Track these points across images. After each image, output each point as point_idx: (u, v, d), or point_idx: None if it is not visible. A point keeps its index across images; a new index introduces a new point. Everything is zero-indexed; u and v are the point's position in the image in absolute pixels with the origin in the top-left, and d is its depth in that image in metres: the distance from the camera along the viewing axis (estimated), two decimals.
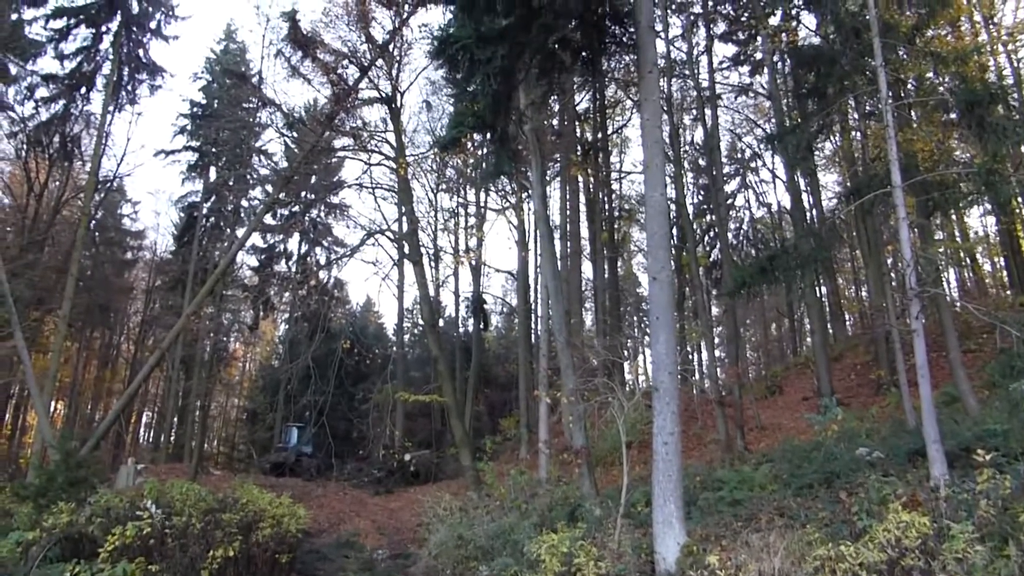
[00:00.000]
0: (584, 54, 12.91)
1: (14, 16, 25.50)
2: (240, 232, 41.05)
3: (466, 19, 11.48)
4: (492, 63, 11.04)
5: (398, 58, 27.89)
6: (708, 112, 24.39)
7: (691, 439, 19.87)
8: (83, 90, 28.45)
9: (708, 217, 35.72)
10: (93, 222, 33.44)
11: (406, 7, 25.83)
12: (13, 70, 26.99)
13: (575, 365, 15.25)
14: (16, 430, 36.80)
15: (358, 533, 19.01)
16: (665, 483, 9.01)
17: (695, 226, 32.99)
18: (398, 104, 27.56)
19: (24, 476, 20.54)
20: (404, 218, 28.49)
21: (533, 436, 23.19)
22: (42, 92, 28.30)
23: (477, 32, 11.03)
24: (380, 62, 27.01)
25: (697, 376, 30.00)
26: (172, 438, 40.14)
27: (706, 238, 37.26)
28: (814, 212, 27.13)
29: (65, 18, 27.32)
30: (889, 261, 23.53)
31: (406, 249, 27.74)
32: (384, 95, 27.52)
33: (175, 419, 40.78)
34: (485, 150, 18.99)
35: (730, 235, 35.08)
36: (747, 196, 39.54)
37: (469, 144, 18.01)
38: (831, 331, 30.30)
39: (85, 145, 30.74)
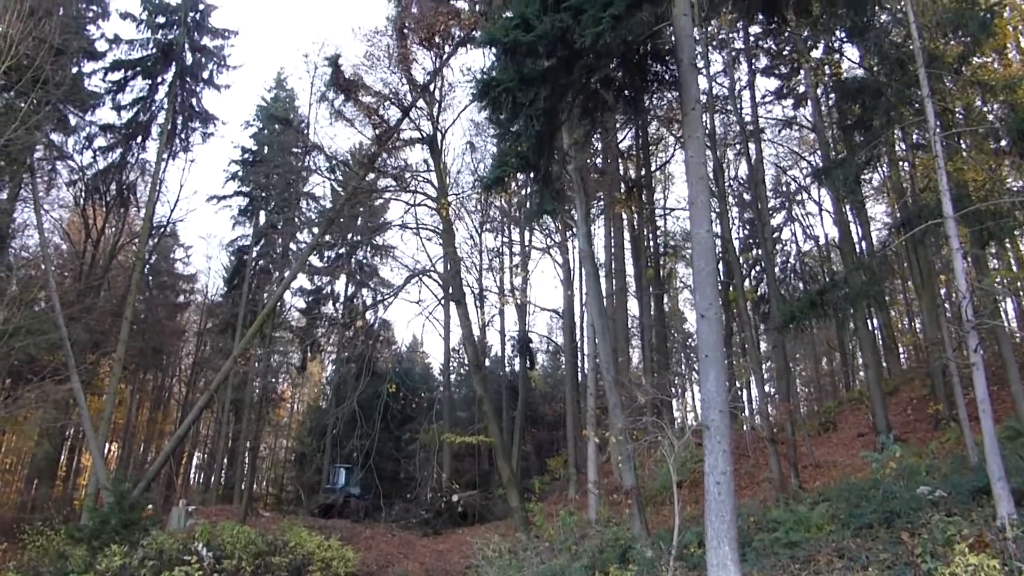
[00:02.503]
0: (626, 93, 12.95)
1: (74, 69, 26.41)
2: (287, 274, 41.75)
3: (508, 62, 11.60)
4: (535, 105, 11.12)
5: (439, 99, 28.24)
6: (752, 146, 24.28)
7: (743, 477, 19.47)
8: (139, 139, 29.41)
9: (754, 251, 35.38)
10: (147, 267, 34.23)
11: (446, 48, 26.23)
12: (73, 121, 27.97)
13: (623, 404, 15.11)
14: (71, 472, 37.39)
15: (406, 575, 18.89)
16: (718, 524, 8.82)
17: (741, 260, 32.67)
18: (440, 144, 27.83)
19: (78, 518, 20.79)
20: (447, 259, 28.62)
21: (582, 476, 22.90)
22: (100, 141, 29.34)
23: (519, 74, 11.13)
24: (421, 103, 27.40)
25: (747, 413, 29.50)
26: (222, 479, 40.47)
27: (753, 272, 36.86)
28: (864, 244, 26.73)
29: (123, 70, 28.35)
30: (943, 292, 23.01)
31: (450, 289, 27.92)
32: (426, 135, 27.85)
33: (225, 460, 41.17)
34: (529, 190, 19.08)
35: (777, 269, 34.66)
36: (793, 229, 39.13)
37: (513, 184, 18.13)
38: (884, 365, 29.63)
39: (140, 192, 31.60)
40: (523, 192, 24.85)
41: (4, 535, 22.34)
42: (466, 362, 49.44)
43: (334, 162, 29.64)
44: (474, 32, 24.62)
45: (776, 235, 37.44)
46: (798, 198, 38.21)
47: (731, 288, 28.73)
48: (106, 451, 31.78)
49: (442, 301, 31.81)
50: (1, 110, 17.28)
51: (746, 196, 33.76)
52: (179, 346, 43.77)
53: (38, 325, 21.63)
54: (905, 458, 14.00)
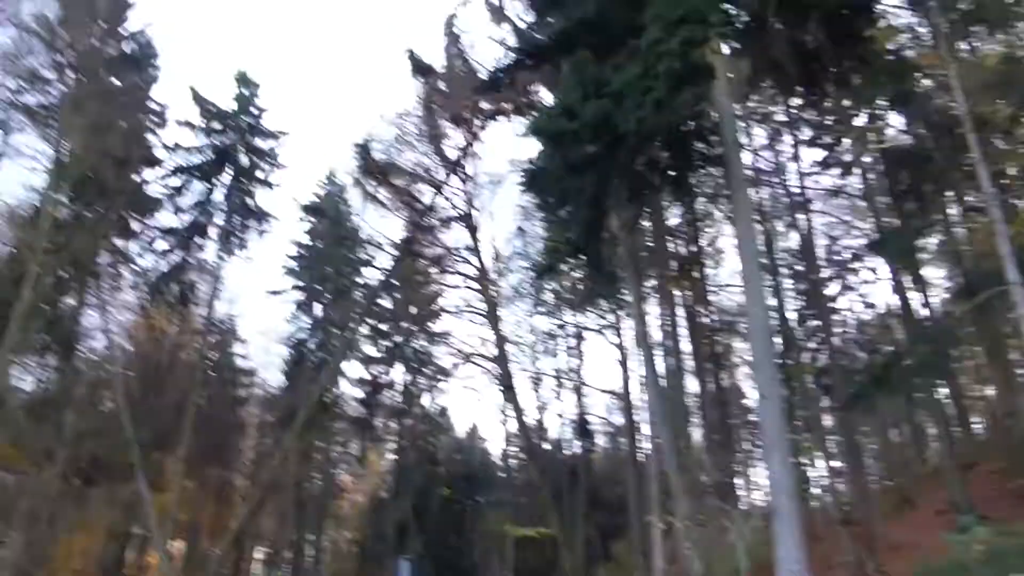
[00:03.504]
0: (671, 173, 13.05)
1: (136, 177, 27.63)
2: (344, 365, 42.20)
3: (553, 150, 11.83)
4: (582, 191, 11.28)
5: (472, 175, 28.73)
6: (801, 217, 24.08)
7: (816, 561, 18.55)
8: (198, 240, 30.37)
9: (810, 323, 34.65)
10: (208, 363, 34.95)
11: (475, 124, 26.57)
12: (135, 226, 29.10)
13: (686, 488, 14.77)
14: (138, 571, 37.51)
15: None
16: None
17: (799, 333, 32.04)
18: (476, 222, 27.88)
19: None
20: (497, 343, 28.64)
21: (648, 562, 22.24)
22: (161, 244, 30.36)
23: (565, 162, 11.33)
24: (455, 181, 27.63)
25: (817, 492, 28.50)
26: (288, 573, 40.22)
27: (811, 343, 36.04)
28: (926, 311, 26.04)
29: (181, 175, 29.58)
30: (1015, 358, 22.21)
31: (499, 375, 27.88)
32: (462, 213, 28.02)
33: (290, 554, 40.98)
34: (580, 274, 19.15)
35: (837, 340, 33.85)
36: (850, 297, 38.33)
37: (564, 267, 18.21)
38: (959, 435, 28.47)
39: (201, 291, 32.42)
40: (574, 274, 24.85)
41: None
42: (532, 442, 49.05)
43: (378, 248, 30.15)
44: (504, 107, 25.02)
45: (832, 305, 36.70)
46: (852, 266, 37.55)
47: (787, 362, 28.18)
48: (172, 547, 31.91)
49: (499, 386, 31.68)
50: (69, 221, 18.06)
51: (798, 267, 33.33)
52: (240, 440, 44.11)
53: (106, 427, 22.16)
54: (991, 540, 13.26)
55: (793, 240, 31.62)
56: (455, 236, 31.04)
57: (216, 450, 35.22)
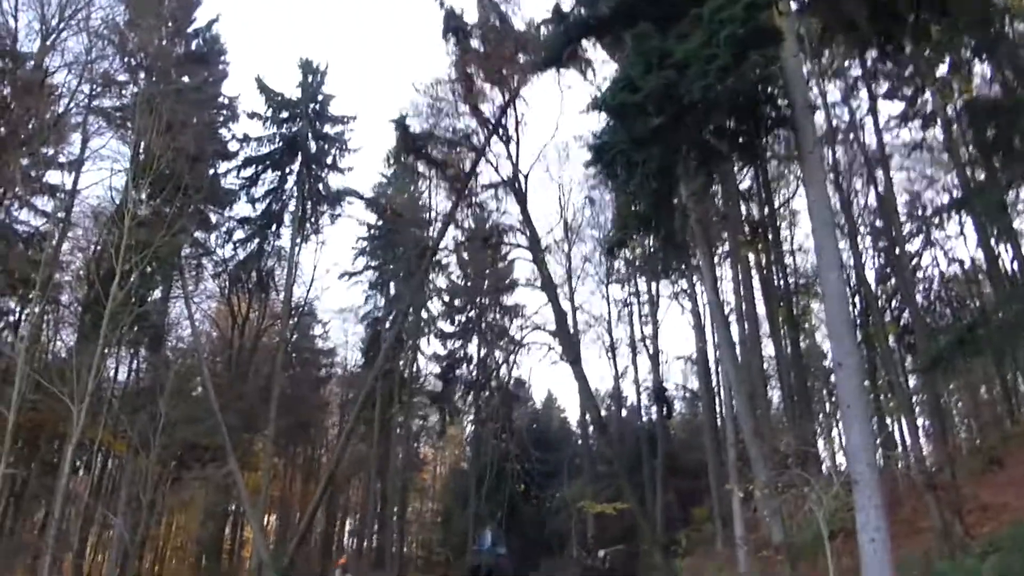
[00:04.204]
0: (740, 140, 12.82)
1: (211, 171, 28.44)
2: (421, 342, 42.91)
3: (618, 124, 11.75)
4: (648, 164, 11.18)
5: (515, 137, 27.88)
6: (880, 173, 23.39)
7: (900, 525, 18.18)
8: (273, 227, 31.22)
9: (892, 281, 33.68)
10: (289, 346, 36.00)
11: (515, 81, 25.87)
12: (213, 218, 30.05)
13: (764, 455, 14.67)
14: (235, 546, 39.06)
15: None
16: None
17: (879, 292, 31.22)
18: (522, 186, 27.41)
19: None
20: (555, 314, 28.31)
21: (728, 529, 22.17)
22: (238, 234, 31.31)
23: (630, 136, 11.24)
24: (500, 147, 27.16)
25: (900, 454, 27.86)
26: (373, 544, 41.34)
27: (892, 303, 35.06)
28: (1015, 266, 25.07)
29: (254, 166, 30.35)
30: None
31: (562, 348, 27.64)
32: (507, 178, 27.51)
33: (375, 525, 42.10)
34: (651, 244, 18.98)
35: (920, 297, 32.84)
36: (934, 254, 37.08)
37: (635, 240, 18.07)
38: None
39: (278, 276, 33.34)
40: (647, 242, 24.55)
41: None
42: (602, 415, 49.11)
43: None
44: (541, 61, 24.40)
45: (915, 262, 35.56)
46: (935, 221, 36.25)
47: (870, 324, 27.55)
48: (265, 523, 33.19)
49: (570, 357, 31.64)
50: (150, 218, 18.73)
51: (879, 223, 32.34)
52: (324, 419, 45.31)
53: (196, 414, 23.10)
54: None
55: (872, 198, 30.84)
56: (507, 207, 30.62)
57: (301, 429, 36.26)
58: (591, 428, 45.82)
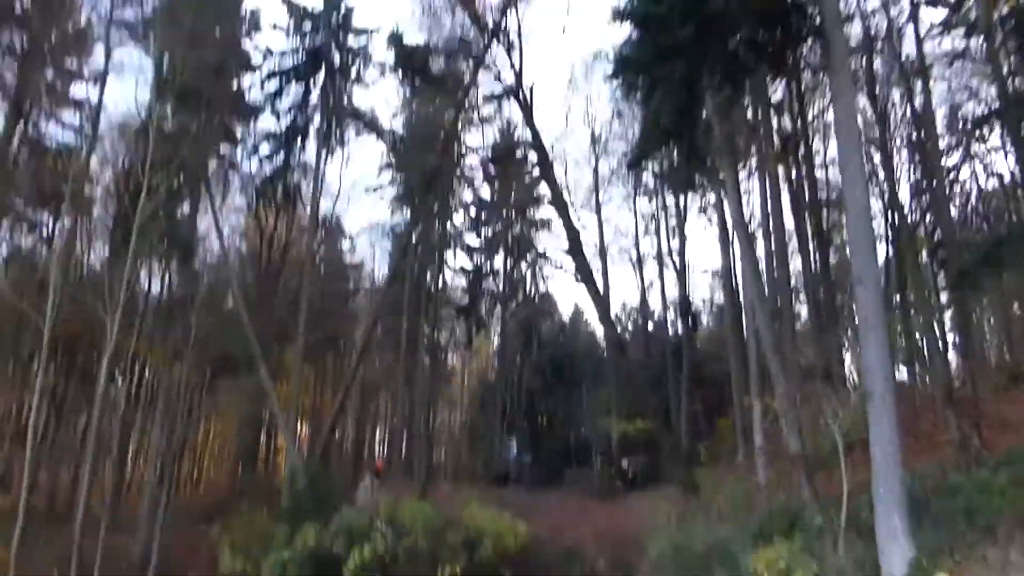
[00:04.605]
0: (768, 51, 12.51)
1: (235, 84, 28.30)
2: (448, 254, 43.13)
3: (642, 36, 11.52)
4: (673, 77, 11.00)
5: (517, 43, 26.80)
6: (919, 84, 22.72)
7: (920, 438, 18.39)
8: (298, 141, 31.10)
9: (929, 195, 33.05)
10: (317, 259, 36.42)
11: None
12: (239, 133, 30.03)
13: (785, 369, 14.83)
14: (270, 453, 40.39)
15: (579, 542, 19.32)
16: (887, 495, 8.63)
17: (914, 206, 30.70)
18: (527, 97, 26.36)
19: (279, 496, 22.55)
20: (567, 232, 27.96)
21: (749, 440, 22.54)
22: (264, 148, 31.26)
23: (654, 48, 11.03)
24: (501, 54, 26.16)
25: (926, 370, 27.88)
26: (403, 453, 42.48)
27: (927, 217, 34.50)
28: None
29: (277, 78, 30.09)
30: None
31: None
32: (508, 88, 26.70)
33: (404, 435, 43.19)
34: (675, 159, 18.73)
35: (955, 211, 32.22)
36: (973, 167, 36.18)
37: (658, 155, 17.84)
38: None
39: (304, 191, 33.42)
40: (672, 156, 24.12)
41: (219, 514, 24.67)
42: (629, 327, 49.49)
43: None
44: None
45: (953, 176, 34.76)
46: (976, 133, 35.23)
47: (899, 237, 27.21)
48: (298, 431, 34.22)
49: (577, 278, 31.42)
50: (175, 132, 18.80)
51: (915, 137, 31.54)
52: (353, 331, 46.05)
53: (227, 326, 23.61)
54: None
55: (910, 110, 30.02)
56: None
57: (330, 342, 36.92)
58: (608, 346, 46.47)
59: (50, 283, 15.31)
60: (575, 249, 26.82)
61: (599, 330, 48.92)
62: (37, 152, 26.73)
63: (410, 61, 26.55)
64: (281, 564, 11.65)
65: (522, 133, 30.82)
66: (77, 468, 24.44)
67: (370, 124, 32.16)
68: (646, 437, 30.63)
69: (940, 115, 29.78)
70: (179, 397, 20.34)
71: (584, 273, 26.36)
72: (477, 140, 35.68)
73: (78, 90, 27.55)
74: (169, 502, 20.97)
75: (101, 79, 25.91)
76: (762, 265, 24.08)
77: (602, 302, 26.58)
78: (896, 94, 28.55)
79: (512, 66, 26.50)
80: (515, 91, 26.17)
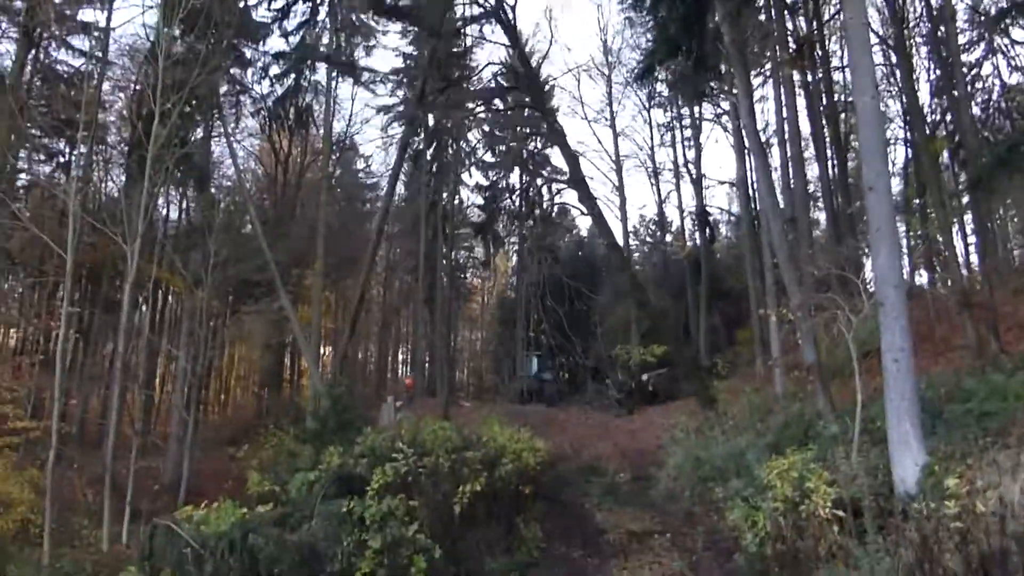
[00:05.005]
0: None
1: (241, 4, 27.77)
2: (464, 174, 42.89)
3: None
4: None
5: None
6: None
7: (937, 344, 18.37)
8: (308, 61, 30.67)
9: (952, 93, 32.18)
10: (333, 180, 36.34)
11: None
12: (248, 55, 29.64)
13: (800, 279, 14.78)
14: (294, 375, 41.15)
15: (600, 457, 19.71)
16: (898, 402, 8.67)
17: (935, 104, 29.98)
18: (509, 16, 25.39)
19: (304, 417, 23.06)
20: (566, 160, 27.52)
21: (767, 352, 22.66)
22: (274, 69, 30.89)
23: None
24: None
25: (942, 275, 27.63)
26: (426, 373, 43.16)
27: (948, 116, 33.64)
28: None
29: None
30: None
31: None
32: (487, 7, 25.70)
33: (426, 355, 43.81)
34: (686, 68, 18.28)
35: (977, 109, 31.35)
36: (996, 62, 35.05)
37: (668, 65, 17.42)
38: None
39: (317, 112, 33.14)
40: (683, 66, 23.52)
41: (245, 436, 25.33)
42: (648, 239, 49.36)
43: None
44: None
45: (975, 72, 33.76)
46: (1000, 25, 34.03)
47: (917, 140, 26.64)
48: (321, 353, 34.76)
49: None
50: (184, 56, 18.57)
51: (935, 33, 30.54)
52: (371, 251, 46.23)
53: (245, 251, 23.77)
54: None
55: (926, 5, 28.99)
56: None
57: (350, 263, 37.13)
58: (635, 256, 46.33)
59: (69, 212, 15.36)
60: (576, 177, 26.52)
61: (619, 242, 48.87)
62: (50, 79, 26.62)
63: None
64: (307, 484, 11.96)
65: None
66: (106, 393, 25.04)
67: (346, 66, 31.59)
68: (665, 351, 30.88)
69: (962, 9, 28.77)
70: (202, 323, 20.59)
71: (589, 204, 26.22)
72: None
73: (86, 15, 27.23)
74: (197, 425, 21.50)
75: (108, 2, 25.58)
76: (778, 174, 23.79)
77: (607, 232, 26.49)
78: None
79: None
80: (497, 11, 25.27)
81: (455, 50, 33.93)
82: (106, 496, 14.25)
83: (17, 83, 23.05)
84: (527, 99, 28.28)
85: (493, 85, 39.57)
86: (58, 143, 27.72)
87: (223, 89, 27.28)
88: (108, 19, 25.44)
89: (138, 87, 24.20)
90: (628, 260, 31.48)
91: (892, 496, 8.25)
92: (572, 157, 27.23)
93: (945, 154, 27.61)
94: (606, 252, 52.71)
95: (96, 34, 26.14)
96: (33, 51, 25.07)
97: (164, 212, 26.85)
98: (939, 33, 25.79)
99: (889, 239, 9.20)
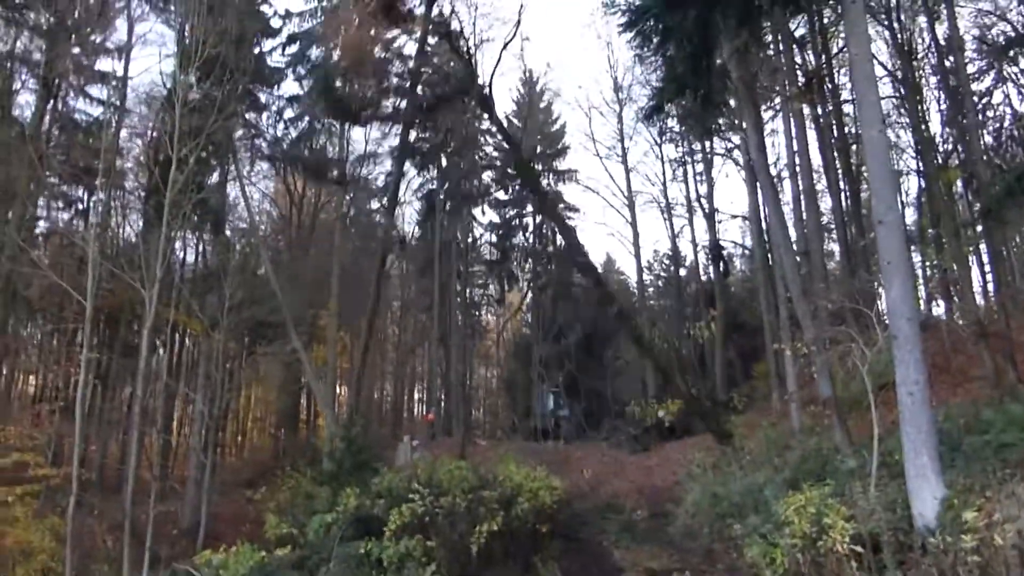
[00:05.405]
0: None
1: (256, 50, 28.33)
2: (476, 211, 43.17)
3: None
4: (684, 26, 10.84)
5: None
6: (944, 9, 22.10)
7: (954, 374, 18.23)
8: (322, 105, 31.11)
9: (961, 122, 32.17)
10: (347, 220, 36.65)
11: None
12: (263, 99, 30.16)
13: (814, 313, 14.78)
14: (311, 416, 41.13)
15: (617, 494, 19.61)
16: (915, 435, 8.64)
17: (946, 135, 29.98)
18: (487, 97, 25.66)
19: (321, 458, 23.09)
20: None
21: (783, 386, 22.55)
22: (288, 112, 31.37)
23: None
24: None
25: (959, 305, 27.44)
26: (442, 412, 43.07)
27: (959, 147, 33.62)
28: None
29: (297, 42, 30.05)
30: None
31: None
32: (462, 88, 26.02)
33: (441, 394, 43.71)
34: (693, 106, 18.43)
35: (989, 138, 31.31)
36: (1006, 91, 35.07)
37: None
38: None
39: (331, 153, 33.50)
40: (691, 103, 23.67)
41: (263, 478, 25.35)
42: (663, 274, 49.36)
43: None
44: None
45: (986, 100, 33.75)
46: (1010, 54, 34.07)
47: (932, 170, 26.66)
48: (337, 392, 34.80)
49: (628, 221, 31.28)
50: (200, 102, 18.94)
51: (947, 61, 30.61)
52: (386, 291, 46.41)
53: (260, 293, 23.97)
54: None
55: (933, 36, 29.16)
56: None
57: (365, 302, 37.24)
58: (649, 290, 46.29)
59: (88, 259, 15.60)
60: (544, 207, 26.71)
61: (632, 278, 48.95)
62: (68, 129, 27.16)
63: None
64: (325, 526, 12.01)
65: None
66: (124, 438, 25.17)
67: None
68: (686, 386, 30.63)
69: (970, 39, 28.91)
70: (219, 365, 20.76)
71: (559, 223, 26.36)
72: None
73: (104, 65, 27.87)
74: (215, 468, 21.58)
75: (125, 52, 26.22)
76: (791, 207, 23.86)
77: (579, 250, 26.70)
78: (922, 21, 27.77)
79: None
80: (472, 93, 25.76)
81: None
82: (125, 542, 14.32)
83: (36, 133, 23.55)
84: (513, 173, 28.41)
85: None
86: (76, 190, 28.21)
87: (238, 133, 27.70)
88: (125, 68, 26.13)
89: (155, 134, 24.64)
90: (604, 281, 31.35)
91: (912, 531, 8.19)
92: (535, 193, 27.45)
93: (959, 183, 27.53)
94: (620, 285, 53.02)
95: (114, 83, 26.80)
96: (52, 101, 25.59)
97: (180, 256, 27.11)
98: (947, 63, 25.95)
99: (901, 272, 9.23)
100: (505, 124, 40.95)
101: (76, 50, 25.41)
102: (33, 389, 30.13)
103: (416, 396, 53.85)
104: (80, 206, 28.72)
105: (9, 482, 16.79)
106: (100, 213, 24.42)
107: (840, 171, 27.68)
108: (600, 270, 53.00)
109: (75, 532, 13.90)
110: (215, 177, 26.78)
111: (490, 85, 25.37)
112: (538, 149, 44.91)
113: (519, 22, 26.22)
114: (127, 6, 26.29)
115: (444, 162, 40.90)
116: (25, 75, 25.00)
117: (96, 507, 18.43)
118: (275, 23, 30.40)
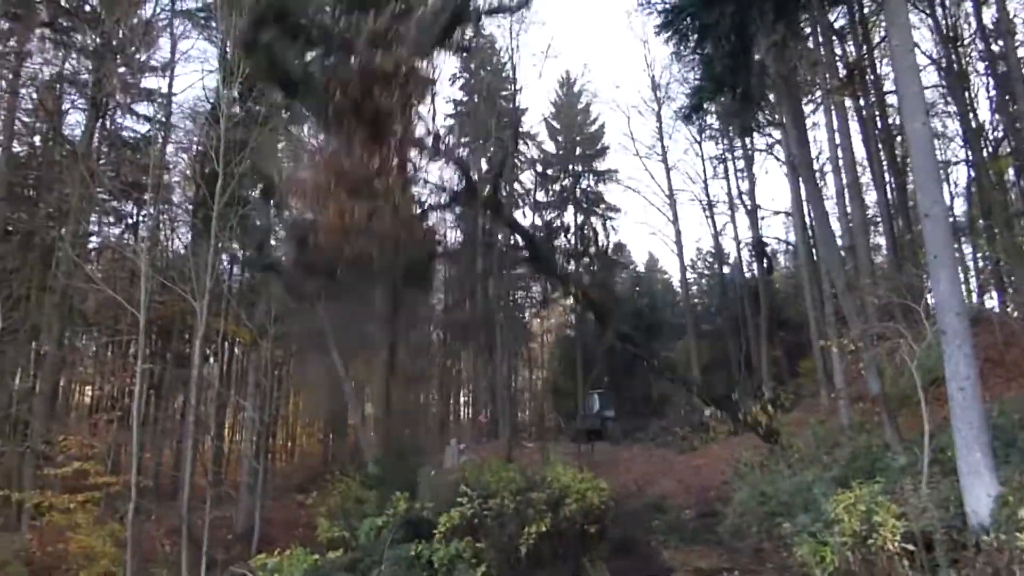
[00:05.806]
0: None
1: (296, 63, 28.68)
2: (517, 214, 43.21)
3: None
4: (721, 24, 10.81)
5: None
6: None
7: (1008, 368, 17.78)
8: None
9: (1011, 109, 31.41)
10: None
11: None
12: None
13: (860, 308, 14.60)
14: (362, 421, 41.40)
15: (665, 494, 19.54)
16: (966, 431, 8.50)
17: (996, 123, 29.29)
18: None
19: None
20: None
21: (831, 382, 22.25)
22: None
23: None
24: None
25: (1013, 296, 26.80)
26: (487, 415, 43.16)
27: (1009, 135, 32.80)
28: None
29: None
30: None
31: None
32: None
33: (489, 398, 43.81)
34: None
35: None
36: None
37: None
38: None
39: None
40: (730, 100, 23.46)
41: (313, 483, 25.68)
42: (705, 272, 49.06)
43: None
44: None
45: None
46: None
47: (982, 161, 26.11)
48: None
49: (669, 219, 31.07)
50: (243, 117, 19.29)
51: (995, 46, 29.89)
52: (430, 296, 46.63)
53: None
54: None
55: (979, 23, 28.52)
56: None
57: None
58: (693, 288, 45.93)
59: (140, 272, 15.97)
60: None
61: (676, 277, 48.72)
62: (117, 146, 27.82)
63: None
64: (375, 529, 12.17)
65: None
66: (179, 446, 25.68)
67: None
68: (728, 384, 30.40)
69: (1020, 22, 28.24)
70: (267, 373, 21.12)
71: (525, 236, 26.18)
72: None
73: (149, 83, 28.50)
74: (266, 474, 21.93)
75: (169, 69, 26.78)
76: (834, 201, 23.55)
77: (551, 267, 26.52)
78: (968, 6, 27.16)
79: None
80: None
81: None
82: (183, 547, 14.62)
83: (87, 151, 24.15)
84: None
85: None
86: (126, 205, 28.89)
87: (280, 145, 28.07)
88: (170, 85, 26.69)
89: (200, 148, 25.13)
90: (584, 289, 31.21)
91: (965, 529, 8.06)
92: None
93: (1010, 172, 26.93)
94: (664, 284, 52.73)
95: (159, 100, 27.42)
96: (100, 119, 26.22)
97: (228, 266, 27.54)
98: (994, 48, 25.38)
99: (948, 266, 9.11)
100: (545, 130, 41.24)
101: (122, 69, 26.04)
102: (90, 400, 30.88)
103: (462, 399, 54.05)
104: (130, 220, 29.44)
105: (71, 490, 17.29)
106: (150, 227, 24.99)
107: (885, 163, 27.27)
108: (642, 268, 53.13)
109: (134, 537, 14.27)
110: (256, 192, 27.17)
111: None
112: (577, 151, 44.97)
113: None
114: (170, 25, 26.88)
115: (483, 166, 41.08)
116: (74, 95, 25.73)
117: (153, 513, 18.86)
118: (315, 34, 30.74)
